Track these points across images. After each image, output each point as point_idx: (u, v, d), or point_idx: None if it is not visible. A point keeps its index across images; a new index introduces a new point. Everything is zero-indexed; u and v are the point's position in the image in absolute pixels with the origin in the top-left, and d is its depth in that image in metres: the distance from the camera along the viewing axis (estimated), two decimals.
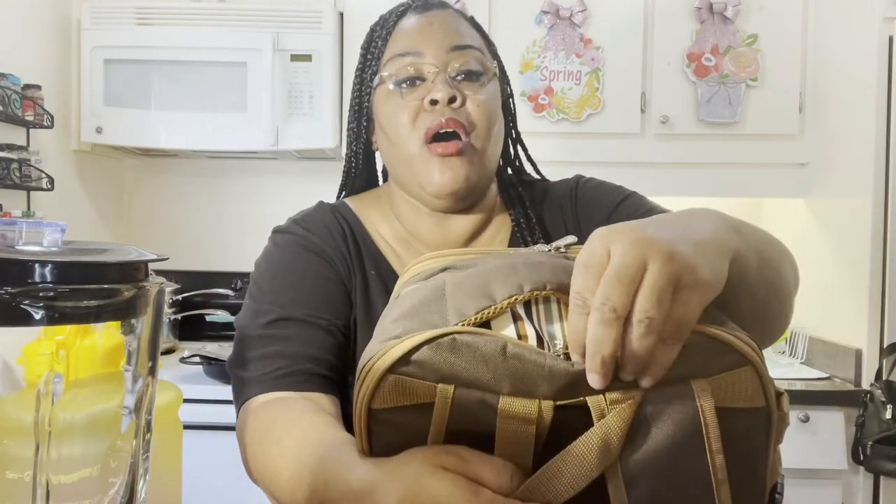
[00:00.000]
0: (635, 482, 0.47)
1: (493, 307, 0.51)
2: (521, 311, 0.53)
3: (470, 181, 0.84)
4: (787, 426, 0.55)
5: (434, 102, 0.83)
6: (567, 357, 0.49)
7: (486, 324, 0.52)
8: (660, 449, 0.47)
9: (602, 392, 0.48)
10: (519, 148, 0.99)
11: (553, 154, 2.18)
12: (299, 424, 0.68)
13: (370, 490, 0.50)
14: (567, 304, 0.52)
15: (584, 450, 0.46)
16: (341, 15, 2.22)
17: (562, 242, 0.63)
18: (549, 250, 0.62)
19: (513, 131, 0.97)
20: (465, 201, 0.88)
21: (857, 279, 1.94)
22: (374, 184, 1.00)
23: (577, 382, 0.48)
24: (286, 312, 0.82)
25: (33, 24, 2.14)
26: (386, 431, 0.52)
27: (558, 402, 0.48)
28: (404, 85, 0.85)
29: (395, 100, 0.85)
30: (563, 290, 0.52)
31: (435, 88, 0.83)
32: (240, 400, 0.80)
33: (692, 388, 0.48)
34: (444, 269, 0.62)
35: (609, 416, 0.47)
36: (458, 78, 0.85)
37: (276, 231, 0.91)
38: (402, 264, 0.88)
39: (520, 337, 0.51)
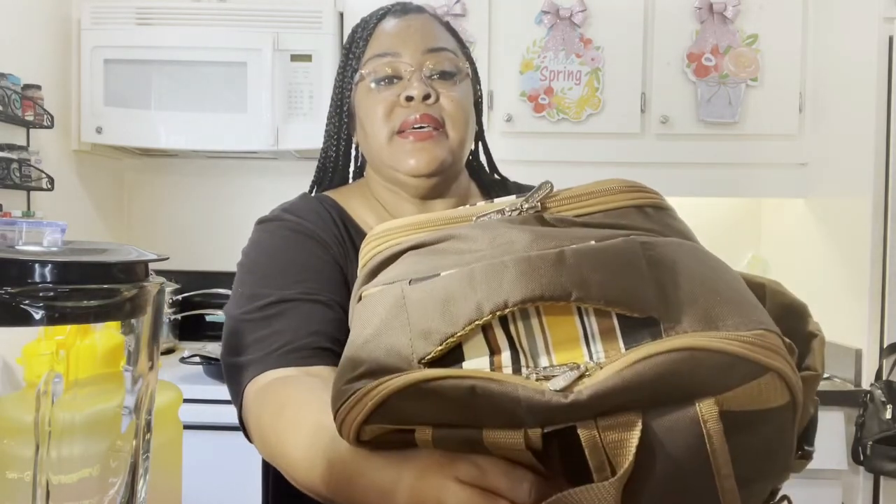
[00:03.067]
0: None
1: (456, 334, 0.48)
2: (498, 331, 0.49)
3: (444, 163, 0.89)
4: (821, 379, 0.52)
5: (410, 99, 0.88)
6: (549, 378, 0.46)
7: (458, 345, 0.49)
8: (662, 476, 0.44)
9: (594, 417, 0.44)
10: (481, 147, 1.04)
11: (553, 154, 2.18)
12: (312, 407, 0.66)
13: (391, 489, 0.51)
14: (546, 309, 0.49)
15: (602, 495, 0.43)
16: (341, 15, 2.22)
17: (537, 195, 0.58)
18: (521, 207, 0.57)
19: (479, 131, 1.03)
20: (440, 184, 0.92)
21: (857, 279, 1.93)
22: (346, 182, 1.03)
23: (561, 414, 0.44)
24: (283, 295, 0.82)
25: (33, 24, 2.14)
26: (382, 444, 0.52)
27: (546, 430, 0.45)
28: (382, 83, 0.91)
29: (373, 96, 0.91)
30: (532, 301, 0.47)
31: (411, 86, 0.89)
32: (240, 384, 0.79)
33: (697, 412, 0.44)
34: (408, 249, 0.58)
35: (627, 466, 0.43)
36: (433, 77, 0.91)
37: (264, 220, 0.93)
38: None
39: (493, 355, 0.48)
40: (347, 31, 2.21)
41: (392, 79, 0.90)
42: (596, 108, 2.18)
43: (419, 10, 0.97)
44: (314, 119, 2.16)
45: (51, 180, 2.07)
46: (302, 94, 2.17)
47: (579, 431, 0.44)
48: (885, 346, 1.86)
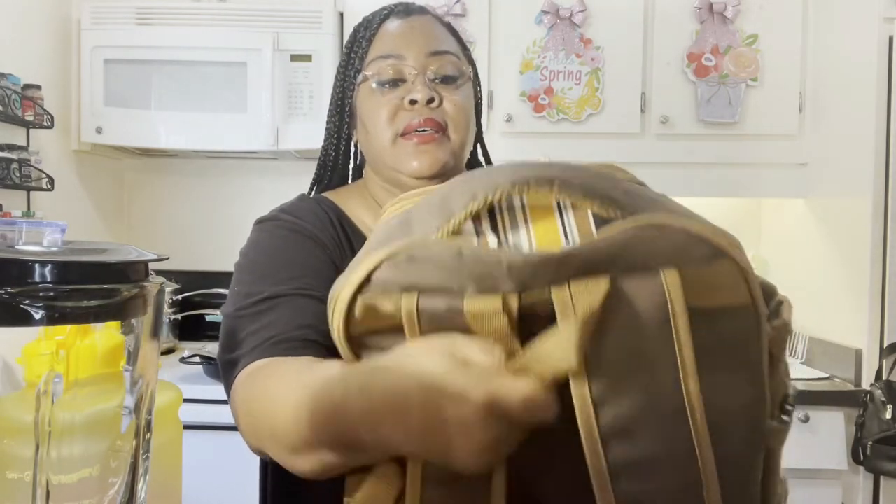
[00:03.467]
0: (599, 373, 0.48)
1: (452, 220, 0.53)
2: (486, 224, 0.54)
3: (446, 165, 0.90)
4: (790, 334, 0.55)
5: (413, 102, 0.89)
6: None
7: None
8: (626, 339, 0.48)
9: (566, 282, 0.48)
10: (479, 148, 1.05)
11: (553, 154, 2.18)
12: (301, 380, 0.64)
13: (367, 382, 0.50)
14: (531, 200, 0.54)
15: (564, 344, 0.46)
16: (341, 15, 2.22)
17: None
18: None
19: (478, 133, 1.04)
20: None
21: (857, 279, 1.93)
22: (346, 182, 1.03)
23: (538, 273, 0.48)
24: (277, 290, 0.81)
25: (33, 24, 2.14)
26: (371, 356, 0.54)
27: (523, 297, 0.48)
28: (386, 85, 0.91)
29: (377, 98, 0.92)
30: (519, 183, 0.52)
31: (415, 89, 0.90)
32: (230, 376, 0.78)
33: (661, 278, 0.48)
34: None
35: (582, 315, 0.47)
36: (436, 80, 0.91)
37: (262, 220, 0.92)
38: None
39: (480, 241, 0.53)
40: (347, 31, 2.21)
41: (396, 81, 0.91)
42: (596, 108, 2.18)
43: (422, 11, 0.97)
44: (314, 119, 2.16)
45: (51, 180, 2.07)
46: (302, 94, 2.17)
47: (552, 294, 0.48)
48: (885, 346, 1.86)
